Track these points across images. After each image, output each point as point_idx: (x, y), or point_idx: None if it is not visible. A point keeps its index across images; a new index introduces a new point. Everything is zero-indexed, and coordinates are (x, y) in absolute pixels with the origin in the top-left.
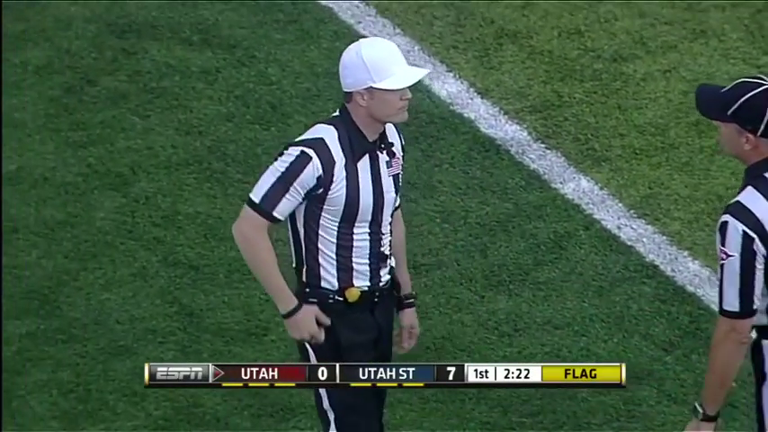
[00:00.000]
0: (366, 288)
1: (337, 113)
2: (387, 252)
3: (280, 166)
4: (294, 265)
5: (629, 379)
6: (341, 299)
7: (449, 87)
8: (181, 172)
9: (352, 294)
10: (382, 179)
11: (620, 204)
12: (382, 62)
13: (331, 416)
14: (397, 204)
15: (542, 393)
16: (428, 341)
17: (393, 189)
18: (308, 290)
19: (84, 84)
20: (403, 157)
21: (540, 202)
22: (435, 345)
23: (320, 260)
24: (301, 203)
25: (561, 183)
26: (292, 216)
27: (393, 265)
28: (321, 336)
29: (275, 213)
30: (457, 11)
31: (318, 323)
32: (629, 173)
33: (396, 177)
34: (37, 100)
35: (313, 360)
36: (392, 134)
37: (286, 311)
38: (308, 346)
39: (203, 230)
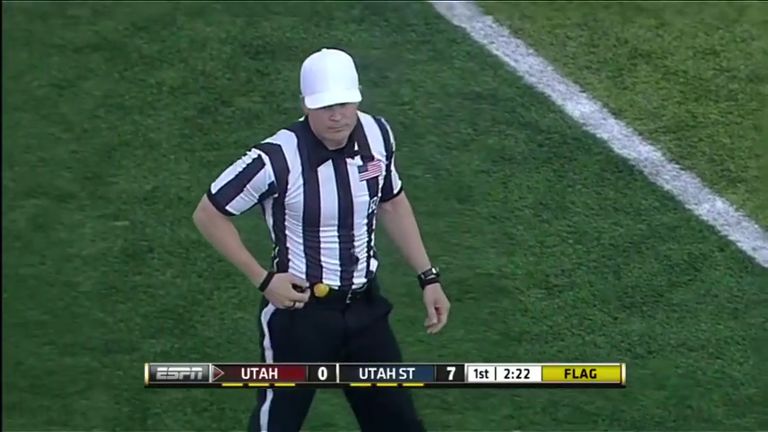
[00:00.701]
0: (336, 287)
1: (303, 118)
2: (360, 255)
3: (239, 165)
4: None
5: None
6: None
7: (582, 108)
8: None
9: (320, 290)
10: (351, 184)
11: (755, 226)
12: (314, 77)
13: (269, 395)
14: (397, 188)
15: (676, 415)
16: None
17: (366, 193)
18: None
19: (218, 104)
20: (389, 157)
21: (675, 223)
22: None
23: (290, 257)
24: (259, 203)
25: (696, 204)
26: (265, 216)
27: (373, 269)
28: (304, 297)
29: (228, 208)
30: (590, 31)
31: (296, 286)
32: (766, 194)
33: (372, 181)
34: (172, 120)
35: (267, 346)
36: (373, 136)
37: (259, 284)
38: (266, 331)
39: None
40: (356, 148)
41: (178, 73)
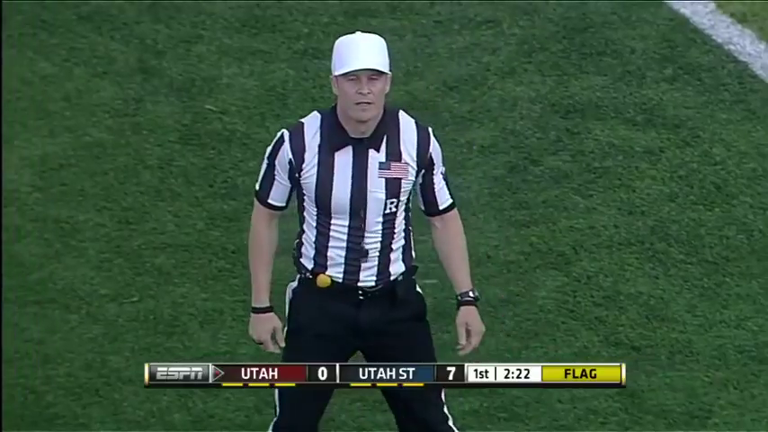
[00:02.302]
0: (339, 279)
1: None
2: (371, 254)
3: (268, 150)
4: None
5: None
6: (311, 279)
7: None
8: (623, 252)
9: (321, 280)
10: (368, 177)
11: None
12: (345, 51)
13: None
14: (444, 204)
15: None
16: None
17: (383, 191)
18: (294, 258)
19: (527, 163)
20: (425, 166)
21: None
22: None
23: (303, 240)
24: (293, 186)
25: None
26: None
27: (394, 272)
28: (269, 347)
29: (270, 200)
30: None
31: (274, 339)
32: None
33: (393, 181)
34: (481, 179)
35: (286, 318)
36: (407, 139)
37: (252, 307)
38: (287, 306)
39: (645, 311)
40: (383, 143)
41: (488, 132)
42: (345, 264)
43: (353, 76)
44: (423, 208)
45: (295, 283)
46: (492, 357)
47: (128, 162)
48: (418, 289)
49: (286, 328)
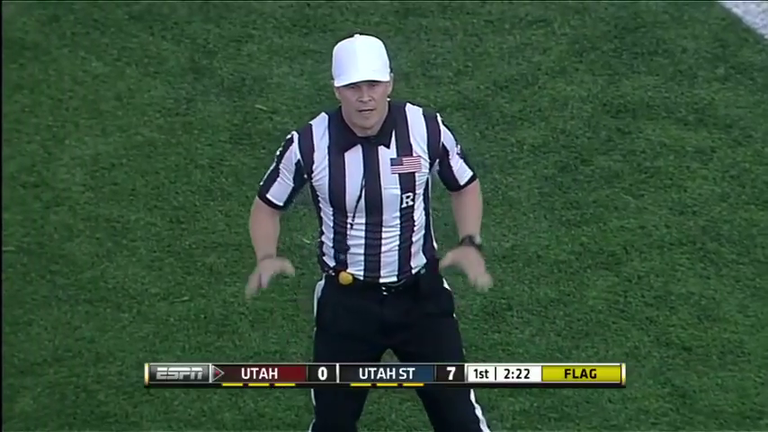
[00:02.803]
0: (360, 277)
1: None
2: (390, 251)
3: (278, 150)
4: None
5: None
6: (335, 276)
7: None
8: (674, 252)
9: (343, 278)
10: (381, 174)
11: None
12: (343, 59)
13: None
14: (464, 180)
15: None
16: None
17: (397, 187)
18: (317, 257)
19: (578, 163)
20: (437, 156)
21: None
22: None
23: (323, 239)
24: (299, 187)
25: None
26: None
27: (415, 266)
28: (254, 288)
29: (269, 196)
30: None
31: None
32: None
33: (407, 176)
34: (531, 179)
35: (315, 322)
36: (416, 132)
37: (258, 261)
38: (315, 306)
39: (696, 311)
40: (392, 138)
41: (539, 132)
42: (365, 261)
43: (353, 85)
44: (444, 186)
45: (322, 282)
46: (542, 357)
47: (179, 161)
48: (446, 285)
49: (315, 327)
